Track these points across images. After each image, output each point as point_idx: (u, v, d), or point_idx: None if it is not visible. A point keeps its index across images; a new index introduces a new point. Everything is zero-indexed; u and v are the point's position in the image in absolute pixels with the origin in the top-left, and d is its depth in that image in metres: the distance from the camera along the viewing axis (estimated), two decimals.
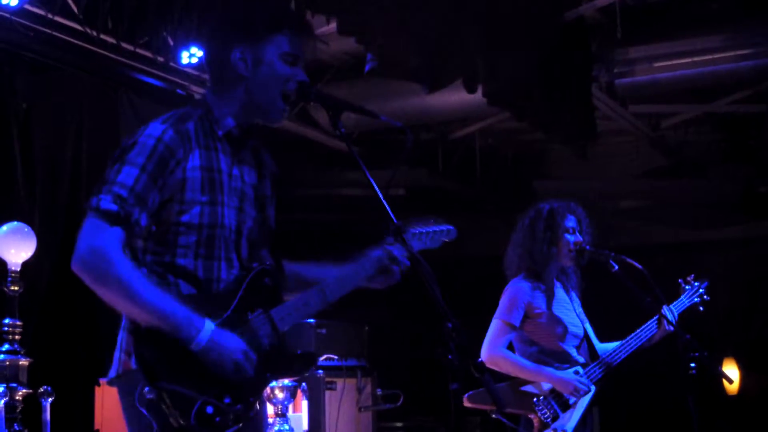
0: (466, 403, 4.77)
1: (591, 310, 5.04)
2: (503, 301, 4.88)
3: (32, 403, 4.81)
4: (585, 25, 7.03)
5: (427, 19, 6.12)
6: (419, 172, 9.05)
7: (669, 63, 7.05)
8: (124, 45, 6.36)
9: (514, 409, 4.83)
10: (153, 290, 2.68)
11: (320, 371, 6.81)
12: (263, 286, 2.89)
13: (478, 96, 6.62)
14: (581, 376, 4.77)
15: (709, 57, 6.93)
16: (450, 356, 2.66)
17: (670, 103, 8.45)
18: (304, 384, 6.17)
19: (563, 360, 4.80)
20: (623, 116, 8.18)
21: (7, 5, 5.66)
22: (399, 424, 8.21)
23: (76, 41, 6.14)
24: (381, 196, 2.80)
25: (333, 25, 6.31)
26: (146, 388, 2.60)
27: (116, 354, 2.81)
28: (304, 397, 6.37)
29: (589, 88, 7.14)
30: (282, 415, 5.81)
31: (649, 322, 4.90)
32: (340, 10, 5.96)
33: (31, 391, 4.77)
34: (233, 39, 2.89)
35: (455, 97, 7.23)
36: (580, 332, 4.91)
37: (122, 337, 2.80)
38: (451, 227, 3.35)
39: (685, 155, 9.28)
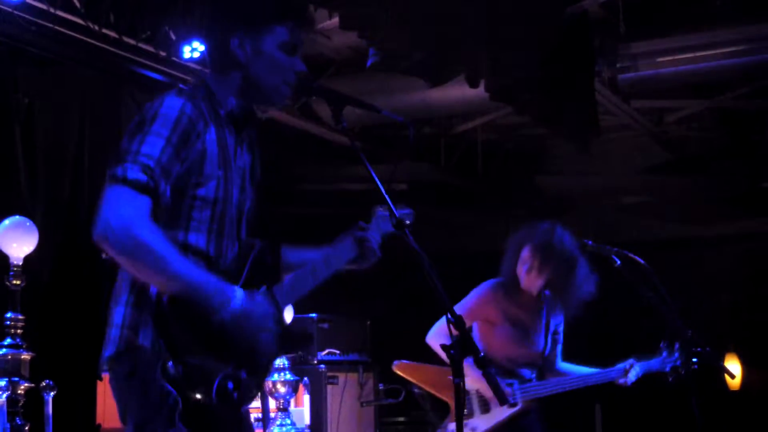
0: (394, 369, 4.91)
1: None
2: (470, 296, 4.93)
3: (34, 397, 4.81)
4: (588, 20, 7.02)
5: (430, 13, 6.10)
6: (421, 167, 9.03)
7: (672, 58, 7.04)
8: (126, 39, 6.34)
9: (437, 392, 4.94)
10: (183, 259, 2.65)
11: (322, 366, 6.82)
12: (265, 264, 2.91)
13: (480, 91, 6.61)
14: (512, 389, 4.79)
15: (713, 52, 6.92)
16: (452, 350, 2.67)
17: (672, 98, 8.43)
18: (306, 378, 6.19)
19: (505, 371, 4.81)
20: (626, 111, 8.16)
21: None
22: (401, 419, 8.21)
23: (78, 35, 6.13)
24: (383, 191, 2.81)
25: (335, 20, 6.30)
26: (170, 363, 2.56)
27: (114, 332, 2.76)
28: (306, 392, 6.38)
29: (591, 84, 7.13)
30: (284, 409, 5.82)
31: (614, 369, 4.95)
32: (343, 4, 5.95)
33: (33, 385, 4.77)
34: (233, 27, 2.90)
35: (457, 92, 7.22)
36: (537, 349, 4.93)
37: (125, 314, 2.75)
38: (410, 210, 3.39)
39: (687, 151, 9.27)
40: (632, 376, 4.94)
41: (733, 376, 4.93)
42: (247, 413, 2.98)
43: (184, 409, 2.59)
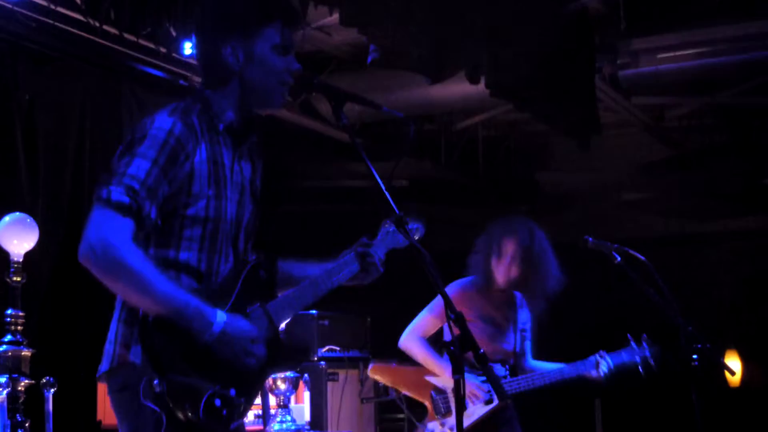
0: (369, 373, 4.97)
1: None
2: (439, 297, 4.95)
3: (35, 393, 4.81)
4: (588, 17, 7.02)
5: (430, 10, 6.10)
6: (422, 164, 9.04)
7: (673, 54, 7.04)
8: (127, 36, 6.34)
9: (413, 393, 4.98)
10: (165, 282, 2.65)
11: (322, 362, 6.83)
12: (258, 280, 2.91)
13: (480, 87, 6.61)
14: (484, 385, 4.81)
15: (713, 48, 6.91)
16: (452, 347, 2.68)
17: (673, 94, 8.43)
18: (306, 375, 6.18)
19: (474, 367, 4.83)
20: (626, 108, 8.16)
21: None
22: (401, 416, 8.22)
23: (78, 32, 6.13)
24: (383, 188, 2.81)
25: (335, 17, 6.30)
26: (155, 381, 2.58)
27: (109, 347, 2.80)
28: (306, 389, 6.38)
29: (592, 80, 7.12)
30: (284, 406, 5.81)
31: (585, 361, 4.97)
32: (343, 1, 5.95)
33: (33, 381, 4.77)
34: (224, 35, 2.89)
35: (458, 89, 7.22)
36: (508, 347, 4.97)
37: (118, 330, 2.79)
38: (420, 224, 3.39)
39: (688, 147, 9.27)
40: (603, 368, 4.95)
41: (733, 373, 4.92)
42: (240, 428, 2.96)
43: (171, 427, 2.60)
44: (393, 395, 5.23)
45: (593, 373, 4.98)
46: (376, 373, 5.12)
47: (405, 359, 5.14)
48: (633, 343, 5.07)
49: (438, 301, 4.96)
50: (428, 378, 4.93)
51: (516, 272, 4.97)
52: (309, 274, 3.09)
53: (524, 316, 5.12)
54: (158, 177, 2.71)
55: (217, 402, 2.62)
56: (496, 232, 5.04)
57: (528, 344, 5.14)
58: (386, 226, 3.27)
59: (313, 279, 3.05)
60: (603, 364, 4.96)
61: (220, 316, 2.69)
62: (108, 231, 2.62)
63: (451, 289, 5.00)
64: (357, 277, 3.19)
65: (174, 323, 2.63)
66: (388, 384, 5.14)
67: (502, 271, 4.98)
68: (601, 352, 5.00)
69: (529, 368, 5.04)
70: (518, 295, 5.14)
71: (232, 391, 2.68)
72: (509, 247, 4.98)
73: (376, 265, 3.19)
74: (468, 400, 4.81)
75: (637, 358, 5.04)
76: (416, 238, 3.33)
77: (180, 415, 2.59)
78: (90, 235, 2.63)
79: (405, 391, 5.10)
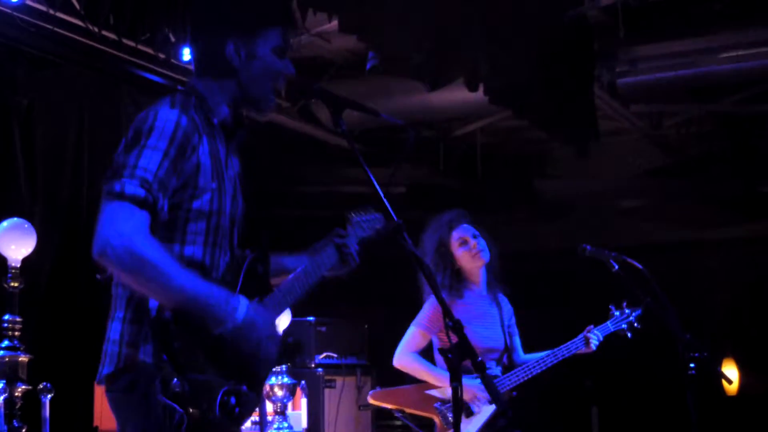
0: (370, 400, 4.97)
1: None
2: (424, 310, 4.99)
3: (32, 399, 4.81)
4: (587, 24, 7.03)
5: (429, 17, 6.11)
6: (420, 170, 9.05)
7: (671, 62, 7.04)
8: (126, 41, 6.35)
9: (418, 410, 4.97)
10: (185, 272, 2.62)
11: (320, 369, 6.82)
12: (257, 274, 2.91)
13: (479, 94, 6.62)
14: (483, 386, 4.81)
15: (712, 56, 6.92)
16: (450, 355, 2.69)
17: (671, 102, 8.44)
18: (303, 382, 6.18)
19: (471, 372, 4.83)
20: (625, 115, 8.17)
21: (8, 1, 5.65)
22: (398, 423, 8.22)
23: (77, 37, 6.14)
24: (381, 194, 2.82)
25: (335, 23, 6.30)
26: (174, 380, 2.54)
27: (112, 348, 2.74)
28: (304, 395, 6.37)
29: (590, 88, 7.13)
30: (281, 413, 5.81)
31: (575, 340, 4.98)
32: (342, 7, 5.95)
33: (30, 387, 4.77)
34: (228, 32, 2.89)
35: (457, 96, 7.23)
36: (499, 345, 5.00)
37: (122, 330, 2.73)
38: (379, 215, 3.43)
39: (686, 155, 9.27)
40: (594, 342, 4.98)
41: (730, 382, 4.93)
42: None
43: (190, 426, 2.57)
44: (399, 415, 5.20)
45: (584, 350, 5.01)
46: (378, 400, 5.11)
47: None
48: (617, 312, 5.13)
49: (424, 314, 4.99)
50: (429, 392, 4.91)
51: (477, 252, 5.01)
52: (296, 265, 3.12)
53: (507, 313, 5.14)
54: (169, 169, 2.67)
55: (232, 400, 2.62)
56: (434, 238, 5.09)
57: (516, 339, 5.17)
58: (353, 217, 3.37)
59: (302, 272, 3.08)
60: (593, 339, 4.99)
61: (243, 301, 2.68)
62: (126, 225, 2.56)
63: (431, 302, 4.99)
64: (335, 268, 3.24)
65: (191, 316, 2.60)
66: (392, 407, 5.11)
67: (468, 259, 5.02)
68: (589, 327, 5.03)
69: (522, 362, 5.06)
70: (498, 293, 5.15)
71: (244, 387, 2.68)
72: (458, 236, 5.02)
73: (353, 256, 3.25)
74: (472, 404, 4.82)
75: (623, 325, 5.11)
76: (377, 227, 3.39)
77: (196, 414, 2.56)
78: (106, 231, 2.56)
79: (410, 411, 5.08)
